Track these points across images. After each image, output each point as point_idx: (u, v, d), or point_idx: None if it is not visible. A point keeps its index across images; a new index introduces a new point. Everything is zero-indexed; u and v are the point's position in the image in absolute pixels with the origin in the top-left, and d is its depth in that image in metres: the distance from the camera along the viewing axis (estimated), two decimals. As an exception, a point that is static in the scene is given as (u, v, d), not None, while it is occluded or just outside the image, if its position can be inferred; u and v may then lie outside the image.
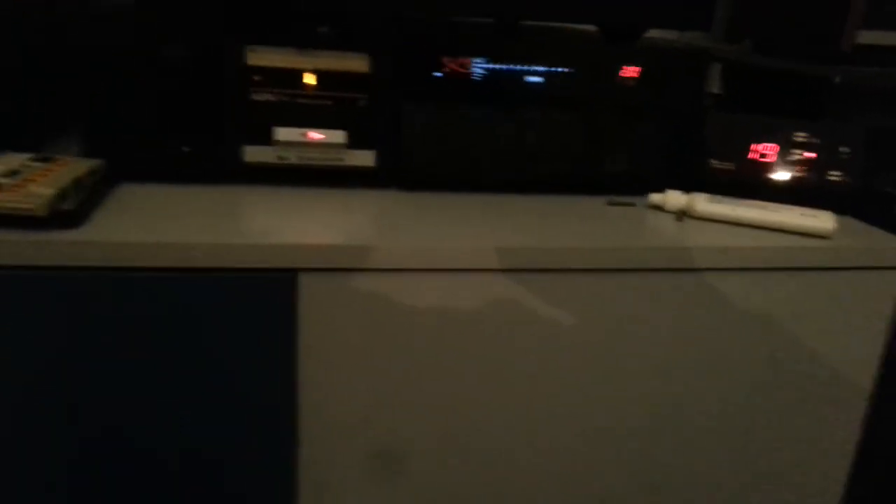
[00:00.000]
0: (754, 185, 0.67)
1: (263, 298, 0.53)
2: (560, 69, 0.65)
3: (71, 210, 0.50)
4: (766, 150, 0.67)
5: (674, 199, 0.66)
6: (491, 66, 0.64)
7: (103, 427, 0.54)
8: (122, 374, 0.52)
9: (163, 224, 0.52)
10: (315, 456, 0.58)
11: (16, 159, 0.55)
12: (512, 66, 0.65)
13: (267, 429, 0.57)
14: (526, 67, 0.65)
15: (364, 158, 0.65)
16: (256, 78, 0.60)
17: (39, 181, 0.51)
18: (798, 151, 0.67)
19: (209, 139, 0.61)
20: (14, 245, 0.48)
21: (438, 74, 0.63)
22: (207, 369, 0.54)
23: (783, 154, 0.67)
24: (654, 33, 0.76)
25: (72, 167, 0.54)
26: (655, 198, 0.67)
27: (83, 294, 0.50)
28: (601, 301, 0.59)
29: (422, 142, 0.65)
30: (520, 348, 0.59)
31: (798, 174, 0.67)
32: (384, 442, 0.59)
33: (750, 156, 0.68)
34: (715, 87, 0.84)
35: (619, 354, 0.61)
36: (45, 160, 0.56)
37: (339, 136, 0.63)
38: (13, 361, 0.51)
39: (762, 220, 0.63)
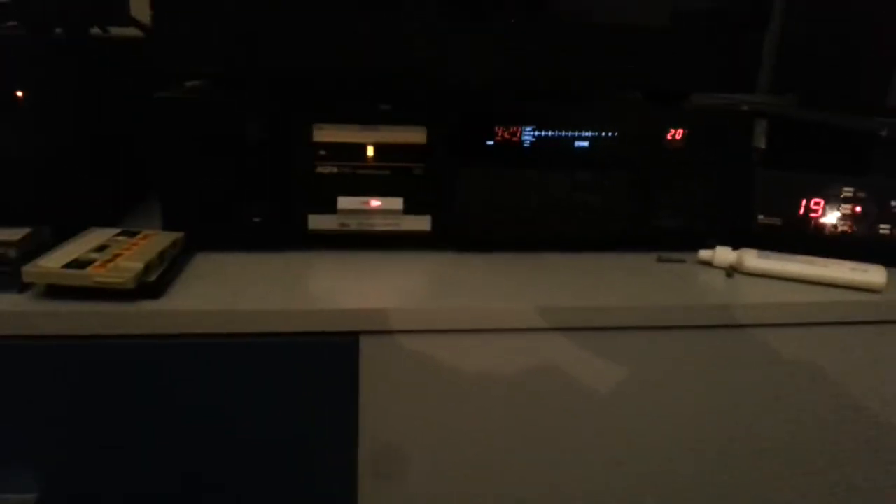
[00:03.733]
0: (803, 239, 0.68)
1: (328, 360, 0.56)
2: (607, 133, 0.68)
3: (154, 282, 0.54)
4: (814, 205, 0.68)
5: (723, 255, 0.67)
6: (540, 133, 0.67)
7: (172, 485, 0.57)
8: (199, 433, 0.56)
9: (235, 291, 0.56)
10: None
11: (103, 234, 0.61)
12: (560, 133, 0.68)
13: (328, 491, 0.59)
14: (574, 133, 0.68)
15: (420, 223, 0.68)
16: (322, 152, 0.65)
17: (127, 255, 0.55)
18: (846, 206, 0.68)
19: (277, 209, 0.65)
20: (101, 317, 0.52)
21: (490, 143, 0.67)
22: (276, 428, 0.57)
23: (831, 208, 0.68)
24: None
25: (156, 240, 0.59)
26: (705, 254, 0.68)
27: (162, 360, 0.54)
28: (653, 358, 0.60)
29: (475, 206, 0.68)
30: (574, 407, 0.60)
31: (847, 228, 0.68)
32: (443, 499, 0.61)
33: (798, 211, 0.69)
34: (761, 142, 0.85)
35: (671, 411, 0.62)
36: (130, 234, 0.61)
37: (396, 202, 0.67)
38: (102, 420, 0.55)
39: (812, 275, 0.64)
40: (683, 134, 0.69)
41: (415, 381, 0.58)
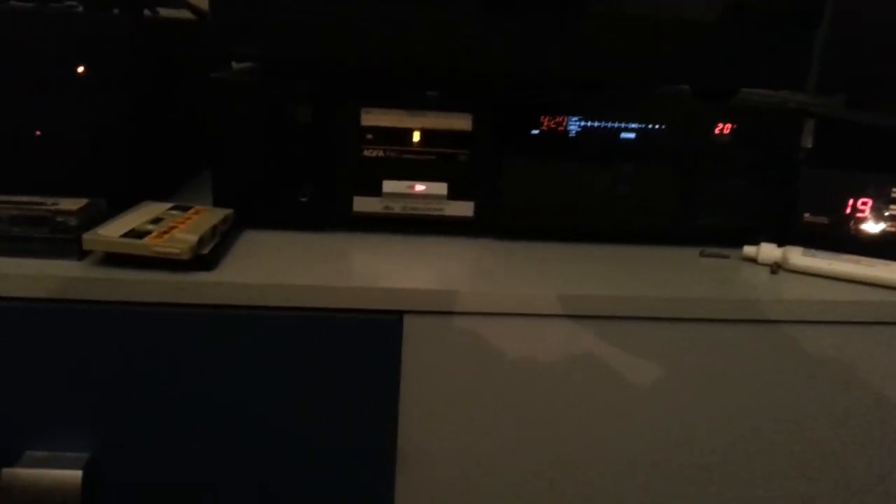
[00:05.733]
0: (848, 239, 0.68)
1: (374, 336, 0.57)
2: (654, 126, 0.68)
3: (208, 254, 0.56)
4: (861, 205, 0.68)
5: (768, 251, 0.67)
6: (586, 123, 0.68)
7: (217, 451, 0.59)
8: (246, 401, 0.58)
9: (283, 267, 0.58)
10: (412, 495, 0.61)
11: (158, 208, 0.62)
12: (606, 124, 0.68)
13: (366, 466, 0.60)
14: (620, 125, 0.68)
15: (463, 209, 0.69)
16: (369, 136, 0.66)
17: (181, 228, 0.57)
18: (894, 206, 0.67)
19: (324, 190, 0.67)
20: (160, 285, 0.54)
21: (535, 132, 0.67)
22: (319, 400, 0.58)
23: (878, 208, 0.67)
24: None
25: (208, 216, 0.61)
26: (749, 250, 0.68)
27: (214, 329, 0.56)
28: (693, 351, 0.60)
29: (518, 194, 0.68)
30: (612, 396, 0.61)
31: (894, 229, 0.67)
32: (480, 481, 0.62)
33: (845, 210, 0.68)
34: (808, 141, 0.84)
35: (708, 405, 0.62)
36: (184, 209, 0.62)
37: (440, 188, 0.68)
38: (153, 385, 0.57)
39: (858, 274, 0.63)
40: (731, 129, 0.69)
41: (455, 361, 0.58)
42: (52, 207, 0.57)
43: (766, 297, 0.60)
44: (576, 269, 0.63)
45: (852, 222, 0.68)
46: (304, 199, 0.67)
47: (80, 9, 0.67)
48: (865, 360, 0.62)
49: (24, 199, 0.58)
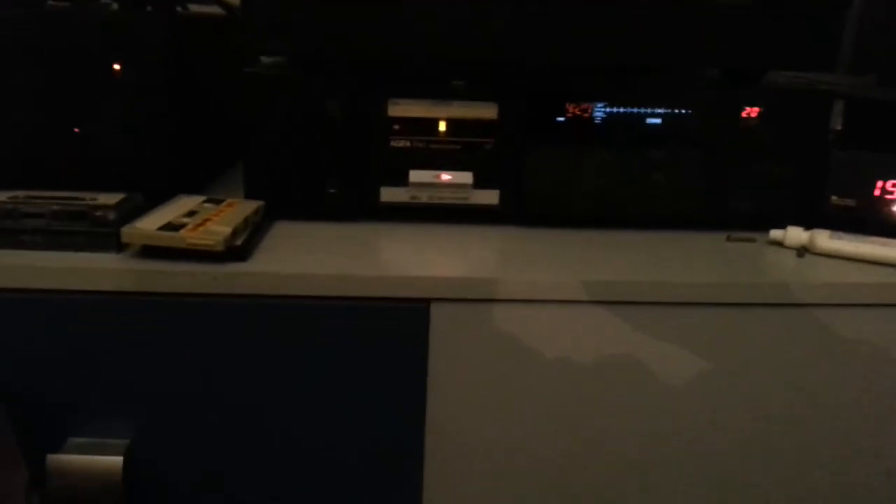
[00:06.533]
0: (877, 221, 0.67)
1: (402, 324, 0.58)
2: (680, 111, 0.68)
3: (241, 245, 0.57)
4: (891, 187, 0.67)
5: (795, 235, 0.67)
6: (612, 109, 0.68)
7: (250, 440, 0.61)
8: (279, 388, 0.59)
9: (313, 257, 0.59)
10: (439, 481, 0.63)
11: (192, 201, 0.64)
12: (632, 110, 0.68)
13: (393, 453, 0.62)
14: (646, 110, 0.68)
15: (489, 197, 0.70)
16: (396, 127, 0.67)
17: (215, 220, 0.59)
18: (925, 188, 0.66)
19: (352, 181, 0.68)
20: (195, 275, 0.55)
21: (561, 119, 0.68)
22: (349, 386, 0.60)
23: (909, 191, 0.67)
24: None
25: (240, 208, 0.62)
26: (776, 234, 0.68)
27: (247, 318, 0.57)
28: (720, 335, 0.60)
29: (544, 182, 0.69)
30: (636, 380, 0.61)
31: (925, 211, 0.66)
32: (507, 465, 0.63)
33: (873, 192, 0.68)
34: (838, 122, 0.83)
35: (736, 388, 0.62)
36: (217, 202, 0.64)
37: (466, 177, 0.68)
38: (190, 374, 0.59)
39: (886, 256, 0.63)
40: (759, 112, 0.68)
41: (482, 347, 0.59)
42: (91, 202, 0.59)
43: (793, 280, 0.60)
44: (602, 255, 0.64)
45: (881, 205, 0.68)
46: (332, 191, 0.68)
47: (115, 7, 0.68)
48: (894, 342, 0.61)
49: (64, 194, 0.60)
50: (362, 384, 0.60)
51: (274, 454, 0.61)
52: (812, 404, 0.63)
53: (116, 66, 0.64)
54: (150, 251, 0.57)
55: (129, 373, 0.58)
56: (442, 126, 0.67)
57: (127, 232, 0.56)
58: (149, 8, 0.68)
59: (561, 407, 0.62)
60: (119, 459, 0.58)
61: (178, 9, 0.83)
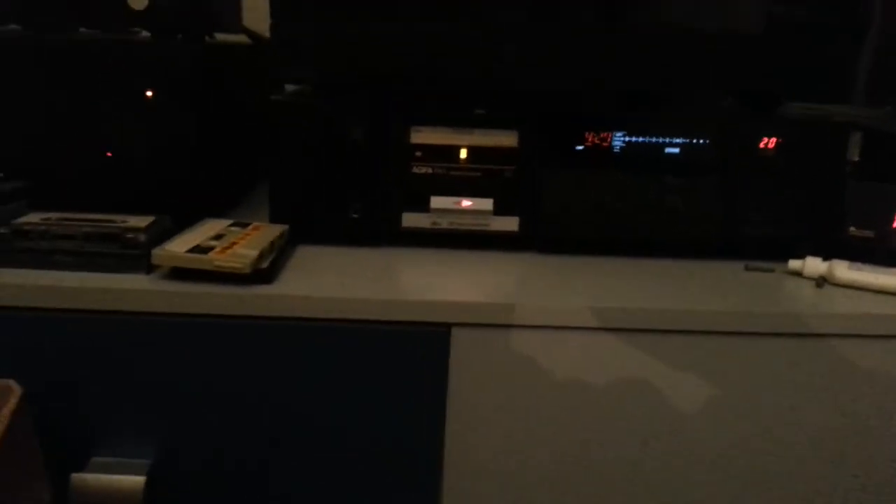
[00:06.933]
0: (895, 253, 0.67)
1: (423, 348, 0.59)
2: (698, 140, 0.69)
3: (267, 268, 0.59)
4: (910, 219, 0.68)
5: (813, 265, 0.67)
6: (630, 138, 0.69)
7: (268, 461, 0.61)
8: (302, 410, 0.60)
9: (336, 281, 0.60)
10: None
11: (218, 224, 0.66)
12: (651, 139, 0.69)
13: (412, 476, 0.62)
14: (665, 139, 0.69)
15: (508, 224, 0.71)
16: (418, 154, 0.68)
17: (242, 243, 0.60)
18: (944, 220, 0.67)
19: (374, 207, 0.69)
20: (222, 297, 0.57)
21: (580, 148, 0.69)
22: (365, 410, 0.60)
23: (927, 222, 0.67)
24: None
25: (266, 232, 0.64)
26: (794, 264, 0.68)
27: (272, 341, 0.58)
28: (738, 365, 0.61)
29: (563, 209, 0.70)
30: (653, 407, 0.61)
31: (943, 243, 0.67)
32: (525, 492, 0.63)
33: (892, 224, 0.68)
34: (855, 154, 0.84)
35: (753, 418, 0.62)
36: (243, 226, 0.65)
37: (486, 203, 0.70)
38: (215, 395, 0.59)
39: (906, 288, 0.63)
40: (776, 143, 0.69)
41: (502, 373, 0.60)
42: (122, 224, 0.60)
43: (812, 310, 0.60)
44: (620, 283, 0.64)
45: (900, 236, 0.68)
46: (355, 216, 0.69)
47: (147, 34, 0.71)
48: (914, 374, 0.61)
49: (96, 216, 0.62)
50: (383, 407, 0.60)
51: (296, 476, 0.62)
52: (829, 435, 0.63)
53: (148, 93, 0.66)
54: (179, 273, 0.58)
55: (154, 393, 0.59)
56: (463, 153, 0.69)
57: (157, 254, 0.57)
58: (179, 36, 0.70)
59: (579, 433, 0.62)
60: (141, 479, 0.58)
61: (207, 38, 0.85)
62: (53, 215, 0.62)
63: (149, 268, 0.59)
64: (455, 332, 0.59)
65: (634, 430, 0.62)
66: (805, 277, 0.67)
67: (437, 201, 0.69)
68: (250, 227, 0.65)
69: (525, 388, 0.61)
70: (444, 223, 0.70)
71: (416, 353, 0.59)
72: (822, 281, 0.66)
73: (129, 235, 0.59)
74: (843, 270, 0.65)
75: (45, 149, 0.67)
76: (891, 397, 0.62)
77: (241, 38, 0.87)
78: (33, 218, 0.61)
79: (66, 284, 0.57)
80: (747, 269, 0.70)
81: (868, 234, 0.69)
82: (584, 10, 0.68)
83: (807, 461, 0.64)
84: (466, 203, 0.69)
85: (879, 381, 0.61)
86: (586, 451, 0.62)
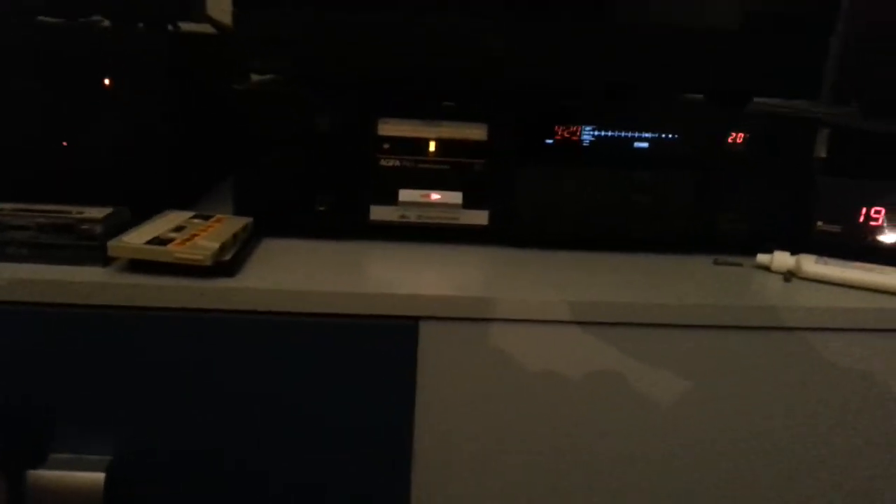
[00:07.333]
0: (862, 247, 0.68)
1: (391, 342, 0.58)
2: (667, 135, 0.69)
3: (229, 261, 0.57)
4: (875, 213, 0.68)
5: (781, 259, 0.67)
6: (600, 132, 0.69)
7: (234, 456, 0.60)
8: (263, 405, 0.59)
9: (302, 274, 0.59)
10: (428, 499, 0.62)
11: (180, 216, 0.64)
12: (620, 133, 0.69)
13: (382, 470, 0.61)
14: (634, 134, 0.69)
15: (478, 217, 0.70)
16: (385, 146, 0.67)
17: (203, 235, 0.59)
18: (908, 214, 0.67)
19: (341, 200, 0.68)
20: (182, 290, 0.55)
21: (550, 141, 0.68)
22: (336, 405, 0.59)
23: (892, 217, 0.68)
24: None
25: (228, 224, 0.62)
26: (762, 258, 0.68)
27: (234, 334, 0.57)
28: (704, 358, 0.61)
29: (533, 203, 0.69)
30: (622, 401, 0.61)
31: (908, 237, 0.67)
32: (494, 486, 0.63)
33: (858, 219, 0.69)
34: (822, 150, 0.85)
35: (718, 412, 0.62)
36: (205, 218, 0.64)
37: (455, 196, 0.69)
38: (174, 389, 0.58)
39: (871, 281, 0.63)
40: (744, 138, 0.69)
41: (470, 366, 0.59)
42: (78, 216, 0.58)
43: (780, 304, 0.60)
44: (590, 276, 0.64)
45: (866, 231, 0.69)
46: (322, 208, 0.68)
47: (107, 23, 0.69)
48: (879, 367, 0.62)
49: (51, 207, 0.60)
50: (350, 401, 0.59)
51: (259, 471, 0.60)
52: (796, 427, 0.63)
53: (107, 81, 0.64)
54: (137, 265, 0.56)
55: (113, 388, 0.57)
56: (432, 146, 0.68)
57: (114, 245, 0.55)
58: (140, 25, 0.69)
59: (548, 426, 0.61)
60: (101, 476, 0.57)
61: (170, 27, 0.83)
62: (6, 206, 0.60)
63: (105, 260, 0.57)
64: (423, 325, 0.58)
65: (605, 424, 0.62)
66: (773, 271, 0.68)
67: (405, 194, 0.68)
68: (213, 219, 0.64)
69: (495, 382, 0.60)
70: (413, 216, 0.69)
71: (383, 347, 0.58)
72: (789, 275, 0.67)
73: (85, 227, 0.57)
74: (811, 264, 0.66)
75: (1, 138, 0.65)
76: (857, 389, 0.62)
77: (206, 28, 0.85)
78: (-15, 208, 0.59)
79: (20, 276, 0.55)
80: (716, 263, 0.70)
81: (835, 228, 0.69)
82: (556, 4, 0.67)
83: (774, 453, 0.64)
84: (435, 196, 0.69)
85: (845, 373, 0.62)
86: (557, 445, 0.62)
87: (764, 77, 0.70)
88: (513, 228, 0.70)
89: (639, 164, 0.69)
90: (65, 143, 0.65)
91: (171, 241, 0.57)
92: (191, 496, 0.61)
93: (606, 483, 0.63)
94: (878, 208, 0.68)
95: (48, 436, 0.58)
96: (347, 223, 0.69)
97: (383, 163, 0.68)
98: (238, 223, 0.63)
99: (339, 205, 0.68)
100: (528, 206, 0.69)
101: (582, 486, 0.63)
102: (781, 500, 0.65)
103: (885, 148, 0.79)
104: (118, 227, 0.59)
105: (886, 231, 0.68)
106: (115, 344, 0.56)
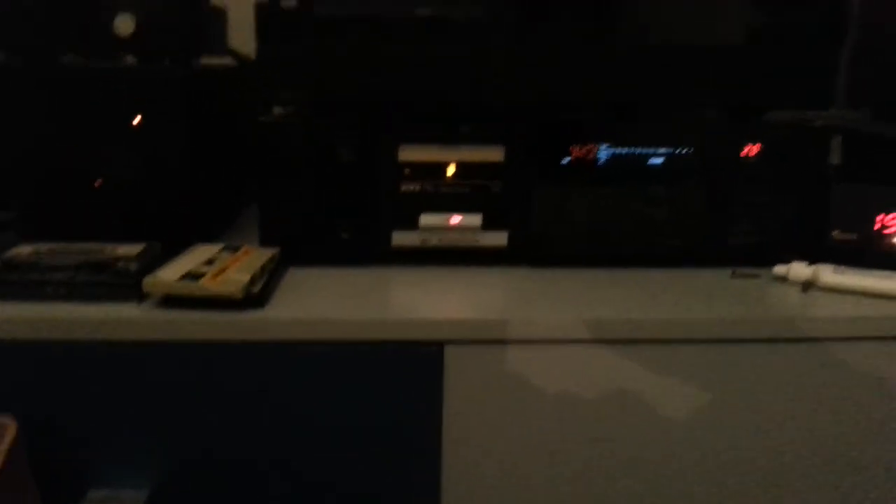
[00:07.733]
0: (879, 255, 0.68)
1: (417, 367, 0.60)
2: (682, 150, 0.70)
3: (259, 293, 0.59)
4: (891, 220, 0.69)
5: (798, 270, 0.68)
6: (615, 151, 0.70)
7: (266, 486, 0.62)
8: (299, 433, 0.60)
9: (328, 302, 0.61)
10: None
11: (209, 249, 0.66)
12: (634, 150, 0.70)
13: (411, 494, 0.63)
14: (649, 150, 0.70)
15: (497, 238, 0.71)
16: (406, 171, 0.69)
17: (233, 268, 0.60)
18: (925, 221, 0.68)
19: (364, 227, 0.69)
20: (215, 323, 0.57)
21: (565, 161, 0.70)
22: (363, 430, 0.61)
23: (909, 224, 0.68)
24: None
25: (257, 255, 0.64)
26: (780, 269, 0.69)
27: (266, 365, 0.58)
28: (728, 371, 0.61)
29: (551, 222, 0.70)
30: (647, 418, 0.62)
31: (926, 244, 0.68)
32: None
33: (874, 226, 0.69)
34: (836, 157, 0.85)
35: (744, 424, 0.63)
36: (233, 249, 0.66)
37: (475, 219, 0.70)
38: (211, 421, 0.60)
39: (889, 289, 0.64)
40: (759, 150, 0.70)
41: (496, 388, 0.60)
42: (112, 253, 0.60)
43: (798, 315, 0.61)
44: (611, 294, 0.65)
45: (882, 238, 0.69)
46: (345, 236, 0.69)
47: (134, 60, 0.71)
48: (901, 375, 0.62)
49: (86, 245, 0.62)
50: (379, 427, 0.61)
51: (294, 499, 0.62)
52: (818, 437, 0.64)
53: (136, 119, 0.66)
54: (171, 300, 0.58)
55: (150, 423, 0.59)
56: (451, 169, 0.69)
57: (149, 282, 0.57)
58: (166, 61, 0.71)
59: (574, 445, 0.62)
60: (140, 509, 0.58)
61: (194, 61, 0.85)
62: (43, 246, 0.62)
63: (140, 296, 0.59)
64: (448, 349, 0.59)
65: (630, 441, 0.63)
66: (791, 282, 0.68)
67: (426, 219, 0.70)
68: (241, 250, 0.65)
69: (521, 403, 0.61)
70: (434, 240, 0.71)
71: (409, 372, 0.59)
72: (807, 285, 0.67)
73: (120, 264, 0.59)
74: (828, 274, 0.66)
75: (33, 179, 0.67)
76: (878, 398, 0.63)
77: (228, 60, 0.87)
78: (24, 249, 0.61)
79: (57, 316, 0.57)
80: (733, 275, 0.70)
81: (851, 237, 0.70)
82: (567, 25, 0.68)
83: (797, 464, 0.64)
84: (455, 219, 0.70)
85: (867, 382, 0.62)
86: (583, 464, 0.63)
87: (776, 88, 0.71)
88: (532, 248, 0.71)
89: (654, 180, 0.70)
90: (98, 183, 0.67)
91: (202, 274, 0.59)
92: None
93: (633, 498, 0.64)
94: (893, 215, 0.69)
95: (86, 473, 0.60)
96: (370, 250, 0.70)
97: (404, 188, 0.69)
98: (265, 254, 0.65)
99: (361, 232, 0.70)
100: (546, 226, 0.71)
101: (609, 502, 0.64)
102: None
103: (898, 153, 0.79)
104: (151, 262, 0.61)
105: (903, 238, 0.68)
106: (151, 379, 0.58)
